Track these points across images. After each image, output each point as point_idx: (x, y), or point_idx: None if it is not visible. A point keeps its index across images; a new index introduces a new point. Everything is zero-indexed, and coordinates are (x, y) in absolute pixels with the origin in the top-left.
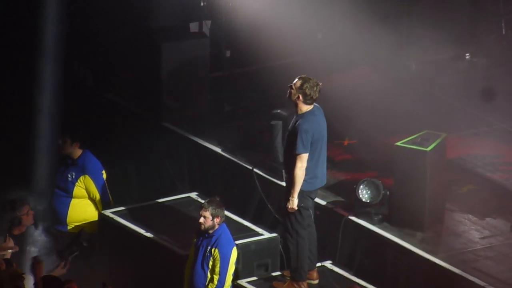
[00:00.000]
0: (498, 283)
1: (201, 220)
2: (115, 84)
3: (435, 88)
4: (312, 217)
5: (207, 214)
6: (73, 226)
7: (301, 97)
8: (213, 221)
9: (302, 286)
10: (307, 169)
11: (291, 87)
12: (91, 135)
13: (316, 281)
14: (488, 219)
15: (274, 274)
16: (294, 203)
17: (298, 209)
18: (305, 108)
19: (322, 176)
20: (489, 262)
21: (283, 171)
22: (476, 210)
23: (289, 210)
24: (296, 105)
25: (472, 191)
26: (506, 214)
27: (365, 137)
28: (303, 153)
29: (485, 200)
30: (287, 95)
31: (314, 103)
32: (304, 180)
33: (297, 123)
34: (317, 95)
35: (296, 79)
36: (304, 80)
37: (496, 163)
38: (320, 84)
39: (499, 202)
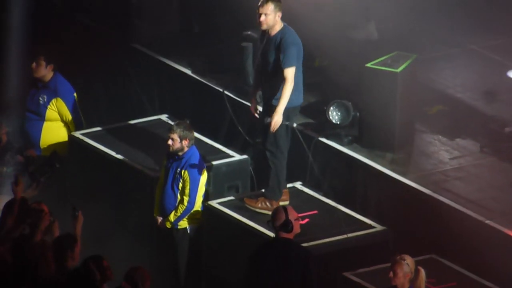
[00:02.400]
0: (468, 203)
1: (169, 142)
2: (84, 5)
3: (407, 10)
4: None
5: (175, 136)
6: (46, 149)
7: (277, 17)
8: (182, 143)
9: (274, 205)
10: (294, 83)
11: (264, 14)
12: (62, 57)
13: (287, 202)
14: (457, 139)
15: (245, 194)
16: (280, 118)
17: (286, 127)
18: (280, 24)
19: (303, 92)
20: (458, 183)
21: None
22: (446, 131)
23: (273, 126)
24: (271, 27)
25: (442, 111)
26: (475, 135)
27: (336, 58)
28: (294, 65)
29: (455, 121)
30: (262, 24)
31: None
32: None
33: (280, 38)
34: None
35: (265, 2)
36: (274, 0)
37: (466, 84)
38: None
39: (469, 122)
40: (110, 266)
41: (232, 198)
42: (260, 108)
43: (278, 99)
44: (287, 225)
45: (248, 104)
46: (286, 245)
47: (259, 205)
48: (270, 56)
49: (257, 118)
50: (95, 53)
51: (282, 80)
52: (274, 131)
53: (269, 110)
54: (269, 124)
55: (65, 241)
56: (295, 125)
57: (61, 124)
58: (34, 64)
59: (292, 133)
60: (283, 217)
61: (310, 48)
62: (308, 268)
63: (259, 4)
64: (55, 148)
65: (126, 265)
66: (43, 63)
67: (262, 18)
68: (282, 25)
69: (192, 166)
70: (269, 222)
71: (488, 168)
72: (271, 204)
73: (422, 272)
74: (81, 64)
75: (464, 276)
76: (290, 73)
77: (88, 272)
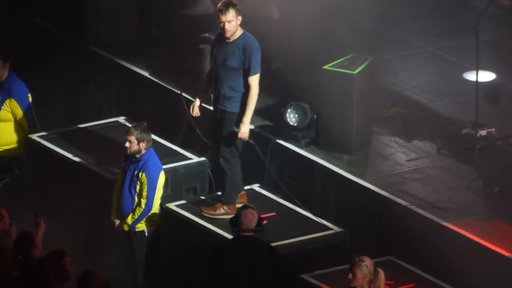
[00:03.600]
0: (425, 205)
1: (127, 144)
2: (42, 9)
3: (363, 12)
4: None
5: (133, 138)
6: (0, 149)
7: (238, 21)
8: (139, 146)
9: (231, 209)
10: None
11: (228, 22)
12: (19, 58)
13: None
14: (414, 141)
15: (202, 197)
16: (247, 128)
17: (237, 133)
18: (240, 29)
19: None
20: (415, 184)
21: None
22: (403, 133)
23: (241, 137)
24: (232, 35)
25: (399, 113)
26: (432, 137)
27: (293, 61)
28: (260, 72)
29: (412, 123)
30: (227, 33)
31: None
32: None
33: (243, 44)
34: None
35: (226, 10)
36: (234, 5)
37: (424, 86)
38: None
39: (426, 124)
40: (70, 263)
41: (189, 201)
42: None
43: (236, 106)
44: (260, 223)
45: (208, 106)
46: (252, 243)
47: (217, 212)
48: (232, 62)
49: (193, 115)
50: (53, 56)
51: (242, 86)
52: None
53: (225, 116)
54: (236, 134)
55: (24, 239)
56: (252, 126)
57: (16, 125)
58: None
59: (251, 135)
60: (256, 217)
61: (267, 50)
62: (277, 262)
63: (220, 12)
64: (10, 149)
65: (82, 269)
66: (0, 61)
67: (227, 26)
68: (242, 31)
69: (150, 168)
70: (235, 224)
71: (445, 170)
72: (228, 209)
73: (381, 273)
74: (39, 66)
75: (422, 278)
76: (255, 80)
77: (41, 270)
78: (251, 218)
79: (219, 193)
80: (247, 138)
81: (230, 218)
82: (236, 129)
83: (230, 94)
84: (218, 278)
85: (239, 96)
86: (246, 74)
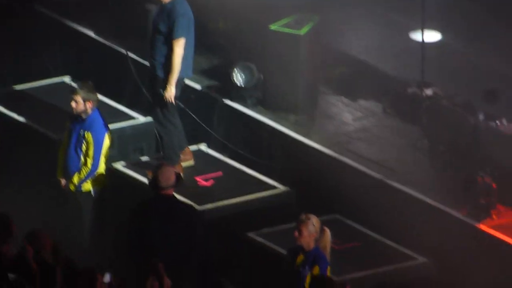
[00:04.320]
0: (371, 164)
1: (73, 104)
2: None
3: None
4: None
5: (79, 98)
6: None
7: None
8: (85, 105)
9: (176, 169)
10: (184, 55)
11: None
12: None
13: (192, 162)
14: (360, 101)
15: (149, 157)
16: (172, 91)
17: (162, 98)
18: None
19: (192, 65)
20: (361, 144)
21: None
22: (349, 93)
23: (167, 99)
24: None
25: (345, 73)
26: (378, 96)
27: (240, 21)
28: (182, 37)
29: (358, 83)
30: None
31: None
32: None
33: (171, 8)
34: None
35: None
36: None
37: (370, 45)
38: None
39: (372, 84)
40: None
41: (136, 161)
42: None
43: (163, 70)
44: (179, 180)
45: None
46: (171, 201)
47: None
48: (161, 26)
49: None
50: None
51: (169, 51)
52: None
53: (155, 80)
54: (163, 96)
55: None
56: (199, 87)
57: None
58: None
59: (198, 95)
60: (173, 175)
61: (214, 10)
62: (196, 222)
63: None
64: None
65: (29, 227)
66: None
67: None
68: None
69: (96, 128)
70: (154, 184)
71: (391, 129)
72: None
73: (328, 232)
74: None
75: (368, 236)
76: (178, 44)
77: None
78: (168, 176)
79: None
80: (172, 100)
81: (149, 179)
82: (162, 91)
83: (159, 58)
84: (136, 235)
85: (167, 60)
86: (170, 37)
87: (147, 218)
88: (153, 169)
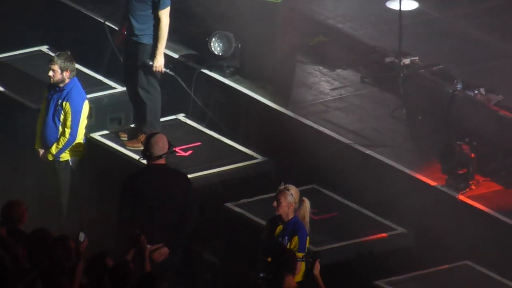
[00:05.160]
0: (348, 133)
1: (50, 73)
2: None
3: None
4: None
5: (56, 67)
6: None
7: None
8: (62, 75)
9: None
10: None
11: None
12: None
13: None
14: (338, 70)
15: (126, 127)
16: (162, 61)
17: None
18: None
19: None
20: (339, 113)
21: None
22: (327, 62)
23: (157, 68)
24: None
25: (323, 42)
26: (356, 66)
27: None
28: (168, 6)
29: (336, 52)
30: None
31: None
32: None
33: None
34: None
35: None
36: None
37: (347, 14)
38: None
39: (350, 53)
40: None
41: (114, 131)
42: None
43: (149, 39)
44: (171, 148)
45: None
46: (165, 169)
47: (140, 144)
48: None
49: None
50: None
51: (147, 18)
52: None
53: (139, 48)
54: (150, 66)
55: None
56: (176, 56)
57: None
58: None
59: (176, 64)
60: (166, 144)
61: None
62: (189, 189)
63: None
64: None
65: (6, 199)
66: None
67: None
68: None
69: (74, 97)
70: (147, 153)
71: (369, 99)
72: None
73: (307, 202)
74: None
75: (345, 206)
76: (166, 14)
77: None
78: (162, 145)
79: (133, 125)
80: (162, 70)
81: (142, 148)
82: (150, 62)
83: (141, 26)
84: (129, 203)
85: (150, 27)
86: (156, 7)
87: (140, 186)
88: (144, 139)
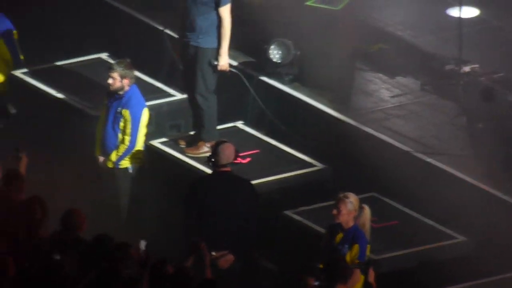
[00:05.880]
0: (408, 141)
1: (110, 81)
2: None
3: None
4: None
5: (116, 75)
6: None
7: None
8: (122, 82)
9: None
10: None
11: None
12: None
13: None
14: (398, 78)
15: (185, 134)
16: (227, 60)
17: (213, 68)
18: None
19: None
20: (399, 121)
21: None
22: (387, 69)
23: (221, 69)
24: None
25: (382, 49)
26: (416, 73)
27: None
28: (229, 3)
29: (396, 59)
30: None
31: None
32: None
33: None
34: None
35: None
36: None
37: (407, 22)
38: None
39: (409, 60)
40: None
41: (173, 138)
42: None
43: (211, 41)
44: (236, 158)
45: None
46: (230, 177)
47: (201, 150)
48: None
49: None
50: None
51: (210, 20)
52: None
53: (191, 51)
54: (216, 67)
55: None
56: (236, 63)
57: (1, 62)
58: None
59: (232, 73)
60: (233, 152)
61: None
62: (254, 197)
63: None
64: None
65: (67, 206)
66: None
67: None
68: None
69: (133, 105)
70: (213, 160)
71: (429, 106)
72: (210, 146)
73: (367, 209)
74: (23, 4)
75: (405, 214)
76: (226, 11)
77: (30, 208)
78: (230, 153)
79: (192, 132)
80: (228, 69)
81: (209, 155)
82: (215, 62)
83: (203, 30)
84: (195, 211)
85: (213, 30)
86: (217, 6)
87: (206, 194)
88: (213, 146)
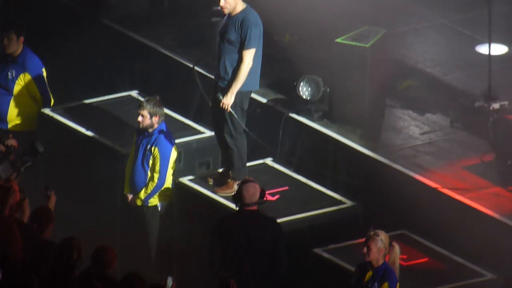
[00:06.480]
0: (438, 178)
1: (139, 118)
2: None
3: None
4: None
5: (145, 112)
6: (13, 124)
7: None
8: (152, 120)
9: None
10: (253, 67)
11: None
12: (32, 32)
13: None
14: (428, 114)
15: (214, 172)
16: (232, 98)
17: (241, 110)
18: (241, 4)
19: (259, 77)
20: (428, 158)
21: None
22: (416, 106)
23: (224, 106)
24: (232, 10)
25: (412, 86)
26: (445, 110)
27: (306, 34)
28: (254, 47)
29: (425, 96)
30: (223, 9)
31: None
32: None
33: (242, 18)
34: None
35: None
36: None
37: (436, 59)
38: None
39: (439, 97)
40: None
41: (202, 175)
42: None
43: (227, 81)
44: (263, 196)
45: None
46: (255, 216)
47: (232, 189)
48: (230, 35)
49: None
50: (66, 29)
51: (236, 62)
52: (229, 114)
53: (219, 90)
54: (220, 101)
55: (41, 213)
56: (265, 100)
57: (29, 99)
58: (5, 40)
59: (264, 109)
60: (258, 191)
61: (280, 23)
62: (280, 237)
63: None
64: (23, 123)
65: (95, 243)
66: (14, 37)
67: (222, 2)
68: (245, 6)
69: (162, 142)
70: (238, 199)
71: (458, 143)
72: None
73: (397, 247)
74: (51, 40)
75: (435, 252)
76: (249, 55)
77: (68, 249)
78: (253, 192)
79: (220, 170)
80: (229, 109)
81: (233, 194)
82: (221, 97)
83: (228, 70)
84: (219, 250)
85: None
86: (241, 47)
87: (231, 232)
88: (238, 185)
